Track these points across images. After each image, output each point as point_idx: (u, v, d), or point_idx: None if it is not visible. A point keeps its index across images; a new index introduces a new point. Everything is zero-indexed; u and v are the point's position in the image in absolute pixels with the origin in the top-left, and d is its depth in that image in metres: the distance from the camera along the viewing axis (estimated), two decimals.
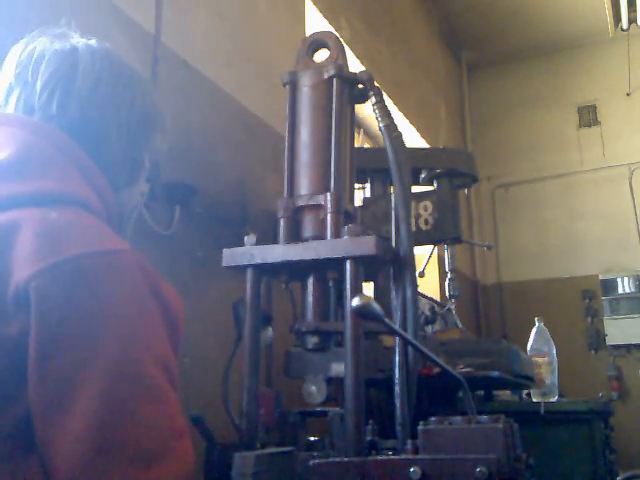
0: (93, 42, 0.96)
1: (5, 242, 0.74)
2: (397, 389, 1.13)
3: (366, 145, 4.03)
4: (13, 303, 0.71)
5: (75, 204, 0.82)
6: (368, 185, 2.45)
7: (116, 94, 0.94)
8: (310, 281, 1.25)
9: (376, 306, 1.02)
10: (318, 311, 1.23)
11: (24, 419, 0.71)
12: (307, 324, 1.22)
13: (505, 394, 2.50)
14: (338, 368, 1.16)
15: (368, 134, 4.13)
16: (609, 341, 5.24)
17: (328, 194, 1.23)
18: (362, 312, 1.03)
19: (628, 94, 5.60)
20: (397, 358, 1.15)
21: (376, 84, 1.35)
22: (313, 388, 1.21)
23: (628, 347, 5.21)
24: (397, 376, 1.14)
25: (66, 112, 0.89)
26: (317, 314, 1.23)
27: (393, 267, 1.23)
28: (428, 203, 2.28)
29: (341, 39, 1.39)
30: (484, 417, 0.93)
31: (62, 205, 0.80)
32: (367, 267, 1.16)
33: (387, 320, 1.06)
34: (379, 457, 1.00)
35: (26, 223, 0.75)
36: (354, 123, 1.42)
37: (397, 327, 1.13)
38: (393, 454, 1.06)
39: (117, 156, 0.94)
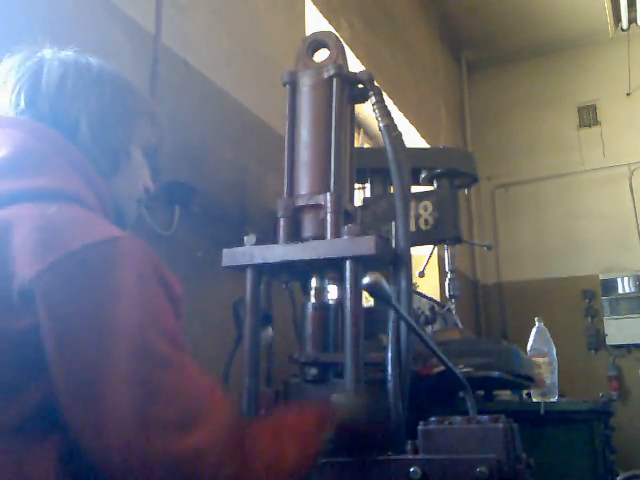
0: (63, 53, 1.01)
1: (4, 236, 0.76)
2: (390, 385, 1.12)
3: (366, 145, 4.03)
4: (20, 299, 0.73)
5: (71, 200, 0.85)
6: (368, 185, 2.45)
7: (85, 87, 0.98)
8: (309, 311, 1.23)
9: (386, 285, 1.02)
10: (317, 341, 1.21)
11: (31, 412, 0.73)
12: (306, 355, 1.20)
13: (505, 394, 2.50)
14: (337, 400, 1.14)
15: (368, 134, 4.13)
16: (609, 341, 5.24)
17: (328, 194, 1.23)
18: (372, 289, 1.03)
19: (628, 94, 5.60)
20: (389, 354, 1.14)
21: (376, 84, 1.35)
22: None
23: (628, 347, 5.20)
24: (390, 372, 1.13)
25: (35, 106, 0.94)
26: (316, 344, 1.21)
27: (391, 265, 1.22)
28: (428, 203, 2.28)
29: (341, 39, 1.39)
30: (484, 417, 0.93)
31: (59, 200, 0.83)
32: (367, 267, 1.16)
33: (394, 302, 1.06)
34: (379, 457, 1.00)
35: (24, 217, 0.78)
36: (354, 123, 1.42)
37: (403, 310, 1.11)
38: (393, 454, 1.06)
39: (91, 144, 0.96)
